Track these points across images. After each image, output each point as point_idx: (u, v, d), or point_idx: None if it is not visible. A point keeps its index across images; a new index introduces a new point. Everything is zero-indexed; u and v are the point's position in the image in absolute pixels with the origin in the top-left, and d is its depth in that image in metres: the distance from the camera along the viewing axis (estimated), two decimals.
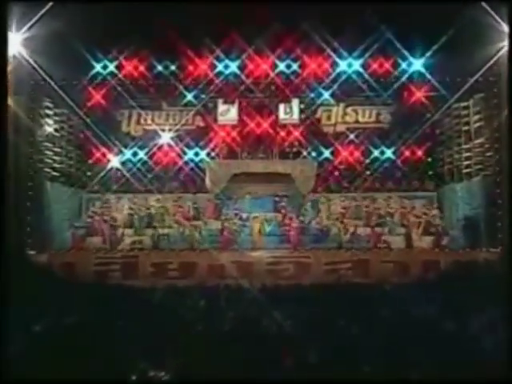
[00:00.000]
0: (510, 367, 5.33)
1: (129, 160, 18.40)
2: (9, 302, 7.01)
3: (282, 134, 18.87)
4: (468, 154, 16.95)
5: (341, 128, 19.16)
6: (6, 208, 8.23)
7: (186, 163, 18.50)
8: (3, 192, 8.03)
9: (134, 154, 18.51)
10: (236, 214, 16.80)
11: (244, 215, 17.09)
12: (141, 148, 18.55)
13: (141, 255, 14.55)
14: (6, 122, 9.17)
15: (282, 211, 17.10)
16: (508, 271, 10.66)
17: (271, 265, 14.12)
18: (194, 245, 15.42)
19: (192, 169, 18.39)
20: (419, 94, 17.91)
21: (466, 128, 17.07)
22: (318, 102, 18.77)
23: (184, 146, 18.63)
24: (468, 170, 16.86)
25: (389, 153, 18.23)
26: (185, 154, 18.58)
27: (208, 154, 18.81)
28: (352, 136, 18.78)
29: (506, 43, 12.93)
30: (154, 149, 18.49)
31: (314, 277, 13.34)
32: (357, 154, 18.62)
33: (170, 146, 18.55)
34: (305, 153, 18.74)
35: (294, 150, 18.79)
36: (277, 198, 17.85)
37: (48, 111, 16.73)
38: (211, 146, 18.84)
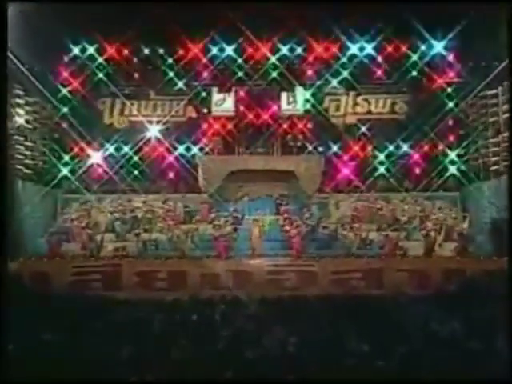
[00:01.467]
0: (510, 367, 5.75)
1: (111, 156, 18.35)
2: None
3: (285, 126, 18.84)
4: (496, 149, 16.88)
5: (351, 119, 19.16)
6: None
7: (177, 159, 18.45)
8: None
9: (118, 149, 18.48)
10: (232, 217, 16.76)
11: (241, 218, 17.03)
12: (125, 142, 18.50)
13: (124, 263, 14.48)
14: (5, 123, 10.39)
15: (285, 213, 17.05)
16: None
17: (272, 274, 14.07)
18: (186, 252, 15.41)
19: (183, 166, 18.33)
20: (440, 81, 17.86)
21: (494, 119, 17.01)
22: (326, 90, 18.85)
23: (174, 139, 18.60)
24: (496, 167, 16.79)
25: (406, 147, 18.21)
26: (175, 148, 18.54)
27: (201, 149, 18.77)
28: (364, 128, 18.69)
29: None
30: (141, 143, 18.42)
31: (320, 288, 13.31)
32: (369, 148, 18.59)
33: (158, 139, 18.49)
34: (310, 147, 18.67)
35: (298, 144, 18.71)
36: (278, 199, 17.83)
37: (18, 100, 16.63)
38: (205, 139, 18.81)
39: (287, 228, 16.26)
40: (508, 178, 14.40)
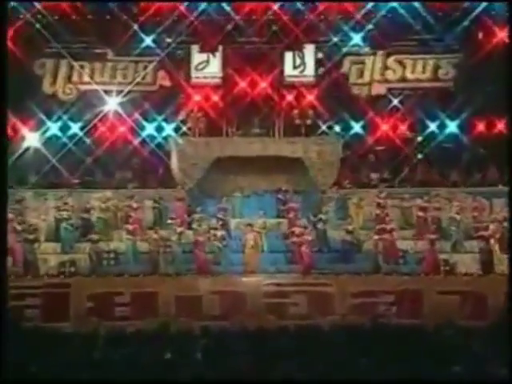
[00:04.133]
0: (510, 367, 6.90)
1: (55, 137, 18.28)
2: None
3: (290, 97, 18.76)
4: None
5: (379, 89, 19.06)
6: None
7: (144, 143, 18.38)
8: None
9: (64, 129, 18.41)
10: (219, 220, 16.63)
11: (232, 222, 16.99)
12: (74, 119, 18.45)
13: (73, 283, 14.44)
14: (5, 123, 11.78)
15: (290, 215, 16.92)
16: None
17: (272, 296, 14.01)
18: (157, 267, 15.30)
19: (153, 151, 18.31)
20: (501, 35, 17.72)
21: None
22: (345, 49, 18.76)
23: (141, 116, 18.55)
24: None
25: (453, 126, 18.17)
26: (142, 128, 18.47)
27: (177, 129, 18.70)
28: (396, 101, 18.64)
29: None
30: (95, 120, 18.38)
31: (337, 315, 13.30)
32: (403, 128, 18.53)
33: (118, 115, 18.45)
34: (324, 127, 18.58)
35: (308, 122, 18.54)
36: (281, 196, 17.71)
37: None
38: (182, 116, 18.73)
39: (294, 233, 16.10)
40: (508, 177, 14.76)
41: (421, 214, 16.98)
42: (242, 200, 17.82)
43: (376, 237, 15.86)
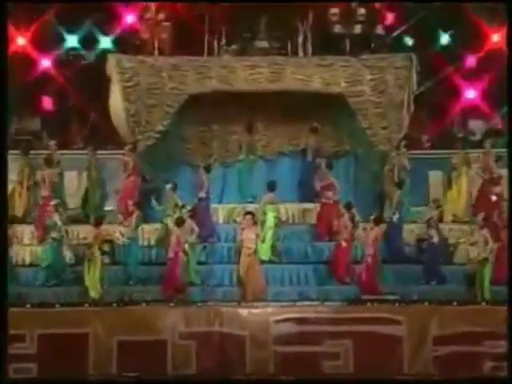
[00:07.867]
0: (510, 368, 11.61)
1: None
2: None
3: None
4: None
5: None
6: None
7: (63, 65, 18.85)
8: None
9: None
10: (196, 208, 16.48)
11: (219, 209, 17.15)
12: None
13: None
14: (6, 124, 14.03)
15: (323, 199, 16.84)
16: None
17: (291, 343, 13.72)
18: (86, 288, 15.36)
19: (78, 81, 18.90)
20: None
21: None
22: None
23: (57, 19, 18.85)
24: None
25: None
26: (58, 39, 18.90)
27: (120, 43, 19.04)
28: None
29: None
30: None
31: (409, 375, 13.41)
32: None
33: (17, 20, 18.48)
34: (382, 37, 18.62)
35: (357, 28, 18.43)
36: (308, 162, 17.72)
37: None
38: (128, 19, 19.09)
39: (328, 229, 16.25)
40: (508, 177, 16.09)
41: None
42: (239, 170, 17.86)
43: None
